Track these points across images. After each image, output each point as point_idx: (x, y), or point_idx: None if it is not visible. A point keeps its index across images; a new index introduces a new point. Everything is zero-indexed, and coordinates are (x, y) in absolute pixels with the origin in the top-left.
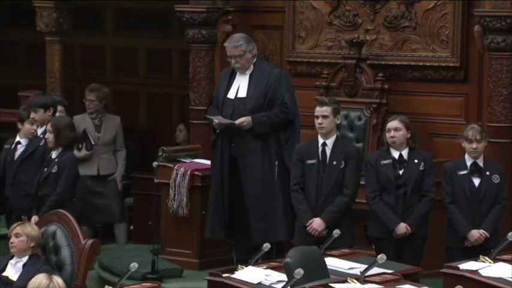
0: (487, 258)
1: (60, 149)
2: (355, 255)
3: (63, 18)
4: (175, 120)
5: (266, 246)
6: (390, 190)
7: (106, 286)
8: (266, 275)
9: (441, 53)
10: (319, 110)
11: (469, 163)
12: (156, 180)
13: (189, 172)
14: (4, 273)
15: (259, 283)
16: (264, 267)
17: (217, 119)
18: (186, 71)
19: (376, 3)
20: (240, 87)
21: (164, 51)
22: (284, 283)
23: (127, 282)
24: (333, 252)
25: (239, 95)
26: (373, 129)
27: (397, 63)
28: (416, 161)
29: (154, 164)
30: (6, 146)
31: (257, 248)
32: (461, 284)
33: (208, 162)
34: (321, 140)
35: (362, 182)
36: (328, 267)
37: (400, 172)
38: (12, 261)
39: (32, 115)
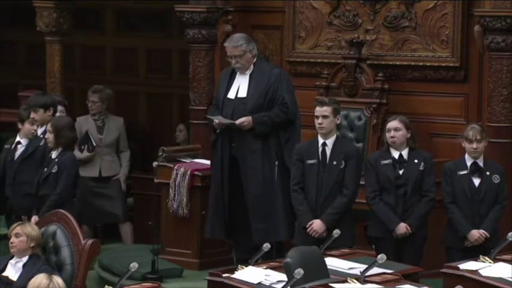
0: (487, 258)
1: (60, 149)
2: (355, 255)
3: (63, 18)
4: (175, 120)
5: (266, 246)
6: (390, 190)
7: (106, 286)
8: (266, 275)
9: (441, 53)
10: (319, 110)
11: (469, 163)
12: (156, 180)
13: (189, 172)
14: (4, 273)
15: (259, 283)
16: (264, 267)
17: (217, 119)
18: (186, 71)
19: (376, 3)
20: (240, 87)
21: (164, 51)
22: (284, 283)
23: (127, 282)
24: (333, 252)
25: (239, 95)
26: (373, 129)
27: (397, 63)
28: (416, 161)
29: (154, 164)
30: (6, 146)
31: (257, 248)
32: (461, 284)
33: (208, 162)
34: (321, 140)
35: (362, 182)
36: (328, 267)
37: (400, 172)
38: (12, 261)
39: (32, 115)
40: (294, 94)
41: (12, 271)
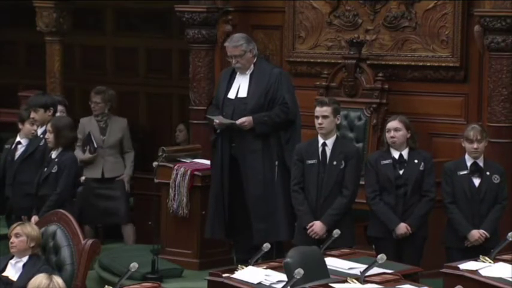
0: (487, 258)
1: (60, 149)
2: (355, 255)
3: (63, 18)
4: (175, 120)
5: (266, 246)
6: (390, 190)
7: (106, 286)
8: (266, 275)
9: (441, 53)
10: (319, 110)
11: (469, 163)
12: (156, 180)
13: (189, 172)
14: (4, 273)
15: (259, 283)
16: (264, 267)
17: (218, 119)
18: (186, 71)
19: (376, 3)
20: (240, 87)
21: (164, 51)
22: (284, 283)
23: (127, 282)
24: (333, 252)
25: (240, 95)
26: (373, 129)
27: (397, 63)
28: (416, 161)
29: (154, 164)
30: (6, 146)
31: (257, 248)
32: (461, 284)
33: (208, 162)
34: (321, 140)
35: (362, 182)
36: (328, 267)
37: (400, 172)
38: (12, 261)
39: (32, 115)
40: (295, 94)
41: (12, 271)
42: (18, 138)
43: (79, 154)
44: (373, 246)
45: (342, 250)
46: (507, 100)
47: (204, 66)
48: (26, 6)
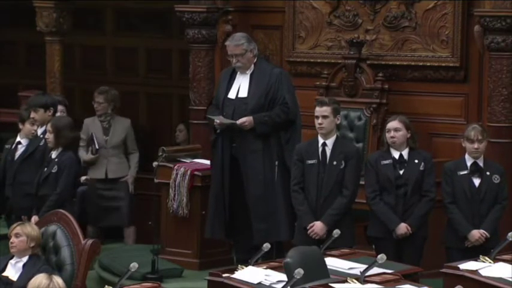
0: (487, 258)
1: (60, 149)
2: (355, 255)
3: (63, 18)
4: (175, 120)
5: (266, 246)
6: (390, 190)
7: (106, 286)
8: (266, 275)
9: (441, 53)
10: (319, 110)
11: (469, 163)
12: (156, 180)
13: (189, 172)
14: (4, 273)
15: (259, 283)
16: (264, 267)
17: (218, 119)
18: (186, 71)
19: (376, 3)
20: (240, 87)
21: (164, 51)
22: (284, 283)
23: (127, 282)
24: (333, 252)
25: (240, 95)
26: (373, 129)
27: (397, 63)
28: (416, 161)
29: (154, 164)
30: (6, 146)
31: (257, 248)
32: (461, 284)
33: (208, 162)
34: (321, 140)
35: (362, 182)
36: (328, 267)
37: (401, 172)
38: (12, 261)
39: (32, 115)
40: (295, 94)
41: (12, 271)
42: (18, 138)
43: (83, 154)
44: (373, 246)
45: (342, 250)
46: (507, 100)
47: (204, 66)
48: (26, 6)
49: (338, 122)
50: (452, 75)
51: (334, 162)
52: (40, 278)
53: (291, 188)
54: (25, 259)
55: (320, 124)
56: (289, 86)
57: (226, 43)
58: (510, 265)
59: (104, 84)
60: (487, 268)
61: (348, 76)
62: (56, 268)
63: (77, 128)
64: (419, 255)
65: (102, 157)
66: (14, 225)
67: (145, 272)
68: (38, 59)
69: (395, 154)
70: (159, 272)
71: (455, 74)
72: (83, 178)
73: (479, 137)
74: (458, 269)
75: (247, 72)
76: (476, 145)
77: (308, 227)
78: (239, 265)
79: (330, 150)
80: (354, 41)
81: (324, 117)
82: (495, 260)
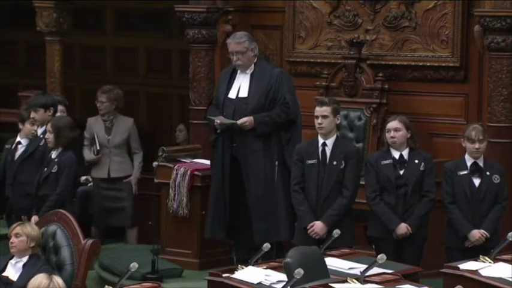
0: (487, 258)
1: (60, 149)
2: (355, 255)
3: (63, 18)
4: (175, 120)
5: (266, 246)
6: (390, 190)
7: (106, 286)
8: (266, 275)
9: (441, 53)
10: (319, 110)
11: (469, 163)
12: (156, 180)
13: (189, 172)
14: (4, 273)
15: (259, 283)
16: (264, 267)
17: (219, 119)
18: (186, 71)
19: (376, 3)
20: (241, 87)
21: (164, 51)
22: (284, 283)
23: (127, 282)
24: (333, 252)
25: (240, 95)
26: (373, 129)
27: (397, 63)
28: (416, 161)
29: (154, 164)
30: (7, 146)
31: (257, 248)
32: (461, 284)
33: (208, 162)
34: (321, 140)
35: (362, 182)
36: (328, 267)
37: (401, 172)
38: (12, 261)
39: (32, 115)
40: (295, 94)
41: (12, 271)
42: (18, 138)
43: (86, 154)
44: (373, 246)
45: (342, 250)
46: (507, 100)
47: (204, 66)
48: (26, 6)
49: (338, 122)
50: (452, 75)
51: (334, 162)
52: (40, 278)
53: (291, 188)
54: (25, 259)
55: (320, 124)
56: (289, 86)
57: (228, 41)
58: (510, 265)
59: (104, 84)
60: (487, 268)
61: (348, 76)
62: (56, 268)
63: (77, 128)
64: (419, 255)
65: (105, 156)
66: (14, 225)
67: (145, 272)
68: (38, 59)
69: (396, 154)
70: (159, 272)
71: (455, 74)
72: (83, 178)
73: (480, 137)
74: (458, 269)
75: (247, 72)
76: (477, 145)
77: (308, 227)
78: (239, 265)
79: (330, 150)
80: (354, 41)
81: (324, 117)
82: (495, 260)
